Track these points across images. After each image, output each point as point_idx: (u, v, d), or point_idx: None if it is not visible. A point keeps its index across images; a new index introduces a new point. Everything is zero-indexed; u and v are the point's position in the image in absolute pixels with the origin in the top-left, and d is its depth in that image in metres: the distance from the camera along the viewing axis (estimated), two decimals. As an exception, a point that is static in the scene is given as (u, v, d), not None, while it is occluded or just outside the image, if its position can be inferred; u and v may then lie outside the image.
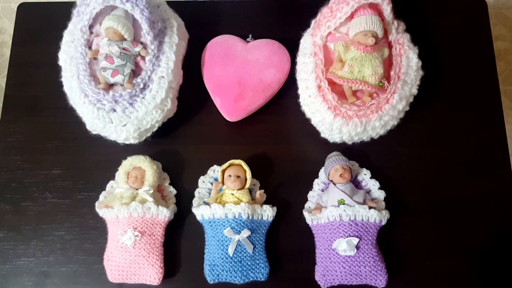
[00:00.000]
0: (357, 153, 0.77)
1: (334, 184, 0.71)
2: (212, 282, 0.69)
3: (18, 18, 0.88)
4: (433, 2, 0.89)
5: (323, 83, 0.72)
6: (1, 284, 0.72)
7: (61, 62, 0.76)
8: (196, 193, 0.75)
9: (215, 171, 0.76)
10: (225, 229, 0.69)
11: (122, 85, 0.73)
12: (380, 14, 0.74)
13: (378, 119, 0.71)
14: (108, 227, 0.71)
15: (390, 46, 0.77)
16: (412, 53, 0.76)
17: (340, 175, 0.70)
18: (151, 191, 0.72)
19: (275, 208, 0.72)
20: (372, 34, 0.72)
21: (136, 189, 0.72)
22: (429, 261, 0.73)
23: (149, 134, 0.75)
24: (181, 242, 0.73)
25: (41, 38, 0.86)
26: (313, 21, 0.79)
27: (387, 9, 0.74)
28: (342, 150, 0.75)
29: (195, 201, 0.73)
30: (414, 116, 0.78)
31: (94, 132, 0.74)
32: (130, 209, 0.69)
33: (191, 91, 0.80)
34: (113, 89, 0.73)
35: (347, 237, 0.68)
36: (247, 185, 0.72)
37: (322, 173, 0.75)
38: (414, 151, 0.79)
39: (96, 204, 0.72)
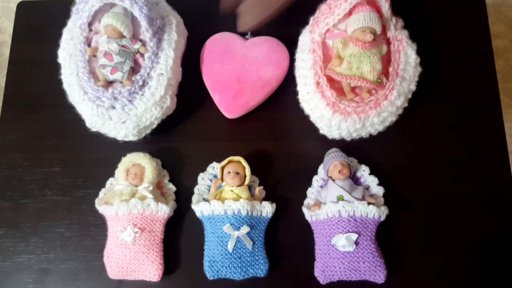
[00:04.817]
0: (356, 149, 0.77)
1: (333, 180, 0.72)
2: (211, 278, 0.69)
3: (18, 16, 0.88)
4: (431, -1, 0.89)
5: (321, 79, 0.72)
6: (1, 281, 0.72)
7: (60, 60, 0.76)
8: (195, 189, 0.75)
9: (214, 167, 0.76)
10: (224, 225, 0.69)
11: (121, 82, 0.73)
12: (378, 10, 0.74)
13: (377, 116, 0.71)
14: (107, 224, 0.71)
15: (388, 43, 0.77)
16: (410, 50, 0.76)
17: (339, 171, 0.71)
18: (151, 188, 0.72)
19: (274, 205, 0.72)
20: (371, 30, 0.72)
21: (136, 186, 0.72)
22: (428, 257, 0.73)
23: (148, 131, 0.76)
24: (180, 239, 0.74)
25: (40, 36, 0.86)
26: (311, 18, 0.79)
27: (385, 6, 0.74)
28: (341, 147, 0.75)
29: (194, 198, 0.74)
30: (413, 112, 0.78)
31: (93, 129, 0.75)
32: (130, 206, 0.69)
33: (190, 88, 0.81)
34: (112, 86, 0.73)
35: (346, 233, 0.68)
36: (246, 182, 0.72)
37: (321, 169, 0.76)
38: (412, 148, 0.79)
39: (96, 201, 0.72)
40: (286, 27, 0.82)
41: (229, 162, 0.73)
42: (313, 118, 0.75)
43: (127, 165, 0.73)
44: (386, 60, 0.76)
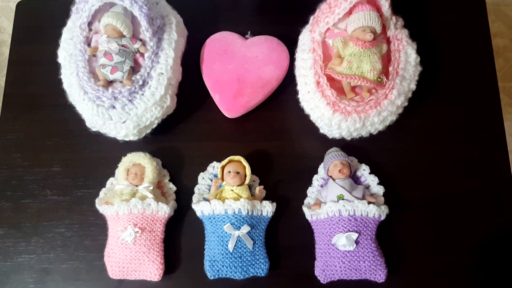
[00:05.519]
0: (356, 148, 0.77)
1: (333, 179, 0.72)
2: (212, 278, 0.69)
3: (17, 16, 0.88)
4: (431, -2, 0.89)
5: (322, 79, 0.72)
6: (2, 281, 0.72)
7: (60, 60, 0.76)
8: (195, 189, 0.75)
9: (214, 167, 0.76)
10: (225, 225, 0.69)
11: (121, 82, 0.73)
12: (378, 9, 0.74)
13: (377, 115, 0.71)
14: (108, 223, 0.71)
15: (388, 42, 0.77)
16: (410, 49, 0.76)
17: (339, 170, 0.71)
18: (151, 188, 0.72)
19: (274, 204, 0.72)
20: (371, 29, 0.72)
21: (136, 186, 0.72)
22: (428, 256, 0.73)
23: (148, 131, 0.75)
24: (181, 238, 0.74)
25: (40, 35, 0.86)
26: (311, 17, 0.79)
27: (385, 5, 0.74)
28: (341, 146, 0.75)
29: (195, 197, 0.74)
30: (413, 112, 0.78)
31: (93, 129, 0.75)
32: (130, 206, 0.69)
33: (190, 88, 0.81)
34: (112, 86, 0.73)
35: (347, 232, 0.68)
36: (247, 181, 0.72)
37: (321, 168, 0.76)
38: (413, 147, 0.79)
39: (96, 201, 0.72)
40: (286, 26, 0.82)
41: (229, 161, 0.73)
42: (313, 118, 0.75)
43: (127, 165, 0.73)
44: (386, 59, 0.76)
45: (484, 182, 0.77)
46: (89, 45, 0.76)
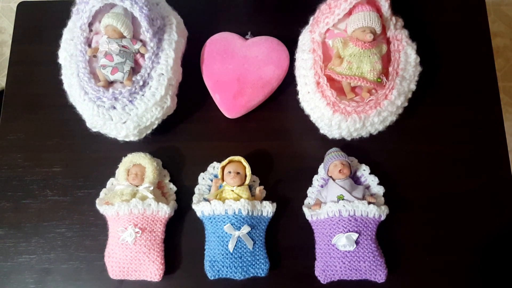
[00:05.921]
0: (356, 149, 0.77)
1: (334, 179, 0.72)
2: (212, 278, 0.69)
3: (18, 16, 0.88)
4: (431, -2, 0.89)
5: (322, 79, 0.72)
6: (3, 281, 0.72)
7: (61, 60, 0.76)
8: (196, 189, 0.75)
9: (214, 167, 0.76)
10: (225, 225, 0.69)
11: (121, 82, 0.73)
12: (378, 10, 0.74)
13: (377, 115, 0.71)
14: (108, 224, 0.72)
15: (388, 42, 0.77)
16: (410, 49, 0.76)
17: (339, 170, 0.71)
18: (151, 188, 0.72)
19: (274, 204, 0.72)
20: (370, 30, 0.72)
21: (136, 186, 0.72)
22: (428, 256, 0.73)
23: (149, 131, 0.76)
24: (181, 239, 0.74)
25: (41, 36, 0.86)
26: (311, 18, 0.79)
27: (385, 5, 0.74)
28: (341, 146, 0.75)
29: (195, 198, 0.74)
30: (413, 112, 0.78)
31: (94, 130, 0.75)
32: (131, 206, 0.69)
33: (191, 88, 0.81)
34: (112, 87, 0.73)
35: (347, 232, 0.68)
36: (247, 182, 0.72)
37: (321, 169, 0.76)
38: (413, 147, 0.79)
39: (97, 201, 0.72)
40: (286, 26, 0.82)
41: (229, 162, 0.73)
42: (313, 118, 0.75)
43: (127, 165, 0.73)
44: (386, 60, 0.76)
45: (484, 182, 0.77)
46: (89, 45, 0.76)
